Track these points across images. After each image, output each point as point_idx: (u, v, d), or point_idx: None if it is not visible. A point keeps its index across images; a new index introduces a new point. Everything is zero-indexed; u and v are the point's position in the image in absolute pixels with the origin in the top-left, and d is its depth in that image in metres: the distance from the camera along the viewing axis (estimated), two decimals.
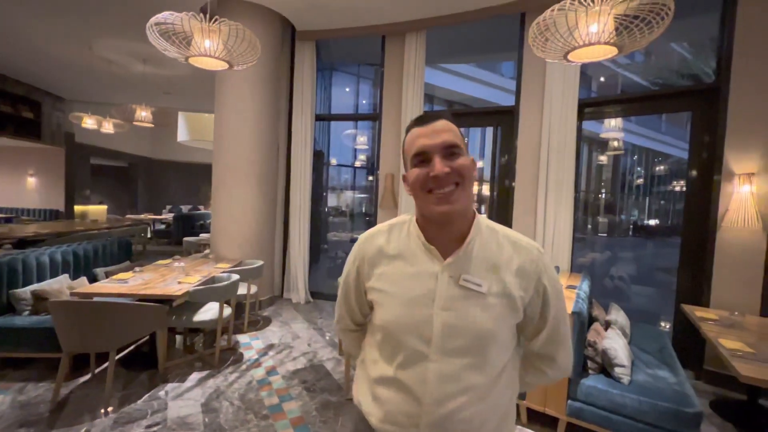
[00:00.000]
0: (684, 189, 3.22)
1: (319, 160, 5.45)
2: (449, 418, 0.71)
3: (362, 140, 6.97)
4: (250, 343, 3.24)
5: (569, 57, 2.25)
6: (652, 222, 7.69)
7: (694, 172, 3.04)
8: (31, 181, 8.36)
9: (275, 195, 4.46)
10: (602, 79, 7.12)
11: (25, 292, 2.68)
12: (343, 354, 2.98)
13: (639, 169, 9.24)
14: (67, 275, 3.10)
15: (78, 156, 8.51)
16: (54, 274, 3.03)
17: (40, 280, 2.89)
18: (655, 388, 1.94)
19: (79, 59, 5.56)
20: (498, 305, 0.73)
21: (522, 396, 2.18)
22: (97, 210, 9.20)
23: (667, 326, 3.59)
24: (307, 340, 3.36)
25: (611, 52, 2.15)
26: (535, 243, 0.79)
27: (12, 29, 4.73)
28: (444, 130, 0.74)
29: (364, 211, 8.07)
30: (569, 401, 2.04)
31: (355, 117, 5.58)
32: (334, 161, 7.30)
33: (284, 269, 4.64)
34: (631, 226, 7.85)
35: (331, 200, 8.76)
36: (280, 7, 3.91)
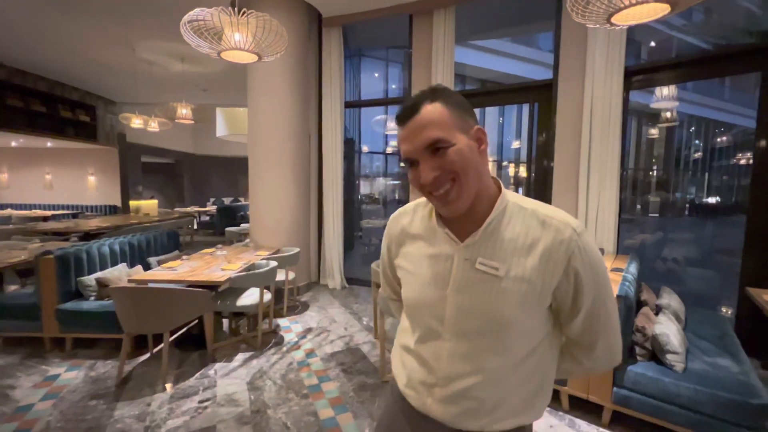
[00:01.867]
0: (750, 162, 2.89)
1: (350, 147, 5.47)
2: (460, 394, 0.72)
3: (393, 126, 6.90)
4: (290, 327, 3.38)
5: (613, 20, 2.05)
6: (712, 200, 7.02)
7: (763, 142, 2.71)
8: (92, 179, 9.14)
9: (308, 184, 4.55)
10: (652, 44, 6.49)
11: (90, 279, 2.95)
12: (378, 338, 3.03)
13: (697, 142, 8.42)
14: (125, 264, 3.37)
15: (130, 155, 9.17)
16: (114, 263, 3.31)
17: (102, 268, 3.17)
18: (714, 377, 1.79)
19: (124, 63, 5.93)
20: (516, 290, 0.68)
21: (563, 382, 2.10)
22: (149, 204, 9.90)
23: (729, 312, 3.31)
24: (343, 325, 3.44)
25: (663, 10, 1.92)
26: (573, 220, 0.69)
27: (64, 40, 5.12)
28: (425, 125, 0.65)
29: (397, 197, 8.05)
30: (615, 388, 1.94)
31: (384, 102, 5.51)
32: (365, 148, 7.31)
33: (320, 256, 4.76)
34: (687, 205, 7.23)
35: (364, 188, 8.82)
36: None
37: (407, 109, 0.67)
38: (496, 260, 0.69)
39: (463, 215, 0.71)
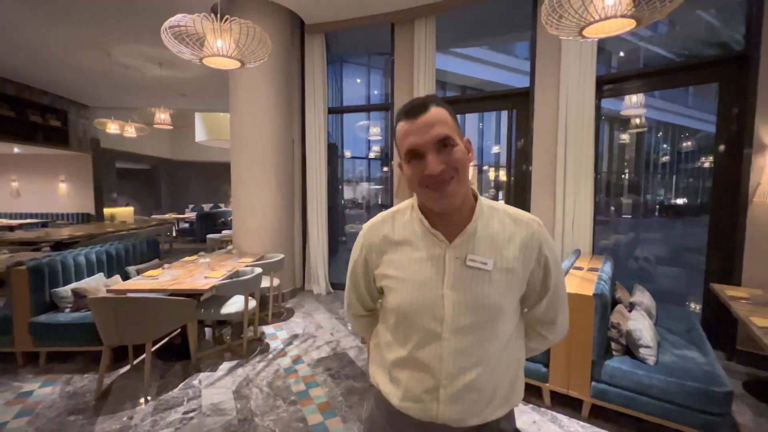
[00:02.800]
0: (713, 165, 3.09)
1: (333, 153, 5.48)
2: (465, 389, 0.76)
3: (375, 131, 6.96)
4: (276, 334, 3.35)
5: (584, 33, 2.18)
6: (680, 201, 7.40)
7: (722, 147, 2.91)
8: (63, 186, 8.77)
9: (292, 189, 4.54)
10: (622, 54, 6.83)
11: (66, 290, 2.85)
12: (365, 342, 3.05)
13: (665, 146, 8.86)
14: (102, 274, 3.27)
15: (104, 161, 8.86)
16: (90, 273, 3.21)
17: (78, 278, 3.07)
18: (683, 368, 1.91)
19: (98, 66, 5.75)
20: (503, 280, 0.77)
21: (545, 378, 2.18)
22: (124, 212, 9.58)
23: (698, 307, 3.49)
24: (329, 330, 3.44)
25: (629, 24, 2.06)
26: (535, 217, 0.83)
27: (33, 41, 4.93)
28: (435, 122, 0.71)
29: (380, 202, 8.09)
30: (593, 383, 2.03)
31: (366, 108, 5.57)
32: (348, 153, 7.33)
33: (305, 262, 4.74)
34: (657, 206, 7.58)
35: (348, 193, 8.82)
36: (288, 1, 3.92)
37: (418, 107, 0.73)
38: (483, 255, 0.77)
39: (449, 218, 0.78)
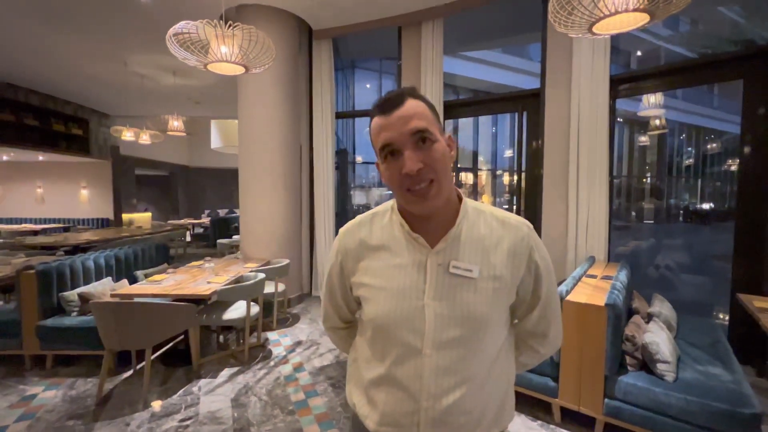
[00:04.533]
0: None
1: (343, 158, 5.47)
2: (449, 412, 0.68)
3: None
4: (279, 340, 3.31)
5: (594, 29, 2.07)
6: (706, 206, 7.06)
7: (747, 148, 2.72)
8: (84, 192, 9.08)
9: (300, 195, 4.53)
10: (639, 53, 6.60)
11: (73, 294, 2.89)
12: None
13: (689, 149, 8.51)
14: (110, 278, 3.31)
15: (123, 167, 9.14)
16: (99, 277, 3.25)
17: (86, 282, 3.11)
18: (705, 386, 1.75)
19: (116, 76, 5.94)
20: (490, 288, 0.70)
21: (554, 393, 2.06)
22: (142, 217, 9.84)
23: (725, 319, 3.28)
24: None
25: (642, 19, 1.95)
26: (524, 220, 0.76)
27: (56, 53, 5.13)
28: (411, 115, 0.65)
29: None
30: (606, 400, 1.90)
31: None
32: (359, 159, 7.32)
33: (312, 267, 4.71)
34: (681, 212, 7.27)
35: (359, 197, 8.81)
36: (294, 7, 3.95)
37: (392, 99, 0.67)
38: (468, 262, 0.70)
39: (432, 221, 0.71)
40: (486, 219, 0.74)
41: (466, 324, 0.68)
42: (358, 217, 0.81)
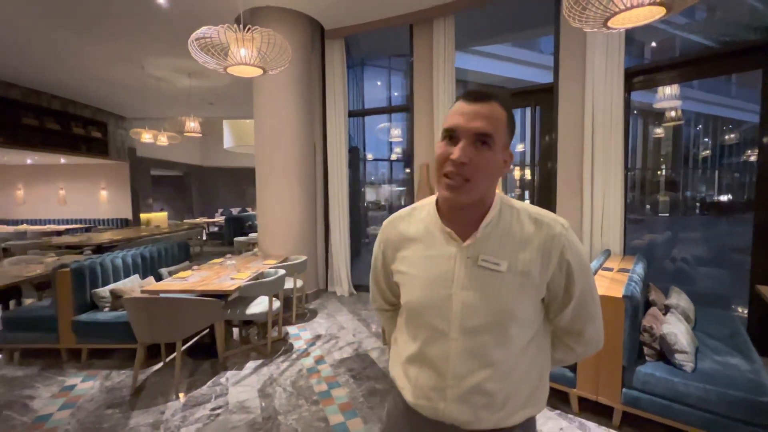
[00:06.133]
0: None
1: (355, 155, 5.54)
2: (472, 391, 0.74)
3: (396, 133, 6.97)
4: (299, 334, 3.41)
5: (609, 24, 2.08)
6: (724, 198, 6.93)
7: (766, 138, 2.70)
8: (103, 193, 9.35)
9: (315, 192, 4.62)
10: (654, 44, 6.48)
11: (105, 291, 3.03)
12: (386, 343, 3.04)
13: (705, 140, 8.33)
14: (137, 275, 3.45)
15: (140, 168, 9.37)
16: (127, 275, 3.39)
17: (115, 280, 3.25)
18: (724, 376, 1.78)
19: (133, 79, 6.11)
20: (517, 283, 0.73)
21: (572, 384, 2.10)
22: (158, 217, 10.09)
23: (745, 311, 3.26)
24: (352, 331, 3.47)
25: (658, 13, 1.95)
26: (560, 218, 0.77)
27: (76, 59, 5.31)
28: (485, 116, 0.69)
29: (403, 203, 8.09)
30: (624, 389, 1.93)
31: (387, 110, 5.58)
32: (370, 156, 7.38)
33: (327, 263, 4.80)
34: (698, 204, 7.14)
35: (370, 195, 8.88)
36: (307, 8, 4.01)
37: (481, 94, 0.71)
38: (496, 256, 0.74)
39: (462, 215, 0.77)
40: (519, 216, 0.77)
41: (490, 314, 0.73)
42: (401, 210, 0.88)
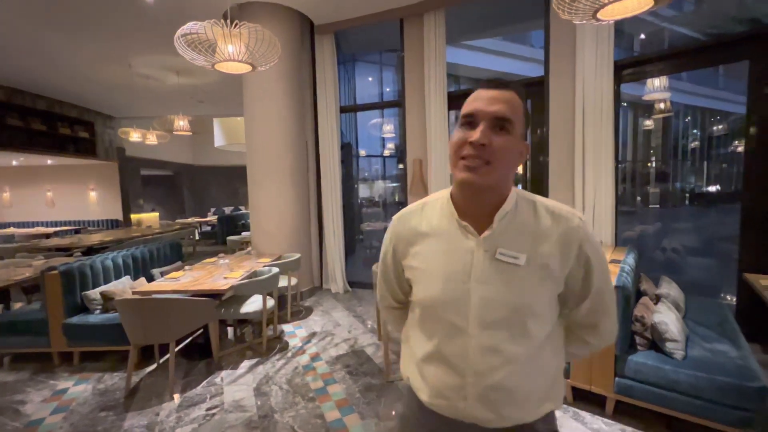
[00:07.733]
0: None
1: (348, 152, 5.51)
2: (492, 388, 0.72)
3: (389, 129, 6.95)
4: (294, 332, 3.40)
5: (599, 15, 2.10)
6: (712, 188, 7.03)
7: (753, 129, 2.74)
8: (92, 194, 9.20)
9: (307, 189, 4.59)
10: (643, 36, 6.53)
11: (95, 293, 2.99)
12: (382, 339, 3.05)
13: (694, 131, 8.43)
14: (128, 276, 3.41)
15: (129, 168, 9.24)
16: (117, 276, 3.35)
17: (106, 281, 3.21)
18: (713, 362, 1.81)
19: (121, 78, 5.99)
20: (535, 277, 0.72)
21: (566, 374, 2.12)
22: (150, 217, 9.96)
23: (733, 299, 3.32)
24: (347, 328, 3.47)
25: (646, 4, 1.97)
26: (577, 211, 0.76)
27: (62, 58, 5.19)
28: (504, 101, 0.70)
29: (396, 199, 8.08)
30: (617, 378, 1.96)
31: (379, 105, 5.56)
32: (363, 152, 7.36)
33: (322, 261, 4.79)
34: (687, 195, 7.24)
35: (363, 191, 8.85)
36: (295, 3, 3.96)
37: (501, 82, 0.72)
38: (514, 250, 0.73)
39: (478, 206, 0.75)
40: (536, 209, 0.76)
41: (509, 308, 0.71)
42: (411, 205, 0.87)
